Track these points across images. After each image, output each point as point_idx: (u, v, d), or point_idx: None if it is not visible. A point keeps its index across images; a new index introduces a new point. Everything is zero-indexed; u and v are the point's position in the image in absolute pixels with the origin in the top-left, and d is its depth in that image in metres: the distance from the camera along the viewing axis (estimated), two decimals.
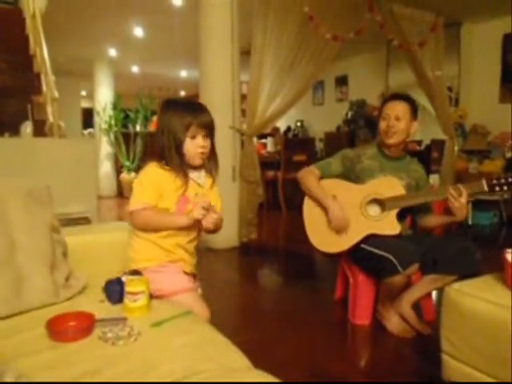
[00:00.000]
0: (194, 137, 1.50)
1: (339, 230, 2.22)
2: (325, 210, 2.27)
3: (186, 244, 1.58)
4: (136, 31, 6.46)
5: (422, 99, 5.22)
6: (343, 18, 4.19)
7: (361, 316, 2.30)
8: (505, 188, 1.98)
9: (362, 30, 4.29)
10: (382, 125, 2.29)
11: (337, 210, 2.21)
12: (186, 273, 1.59)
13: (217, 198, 1.64)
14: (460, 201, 2.02)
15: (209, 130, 1.53)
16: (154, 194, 1.49)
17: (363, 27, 4.29)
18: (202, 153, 1.52)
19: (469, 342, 1.40)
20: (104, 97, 8.30)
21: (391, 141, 2.27)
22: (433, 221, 2.30)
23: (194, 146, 1.50)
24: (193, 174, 1.57)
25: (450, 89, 5.85)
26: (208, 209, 1.47)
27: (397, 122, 2.25)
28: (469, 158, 5.49)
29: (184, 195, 1.53)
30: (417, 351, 2.04)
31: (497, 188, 1.99)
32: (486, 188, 2.00)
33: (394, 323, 2.19)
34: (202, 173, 1.60)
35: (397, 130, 2.25)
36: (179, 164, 1.50)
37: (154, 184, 1.50)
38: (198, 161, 1.54)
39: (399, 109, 2.26)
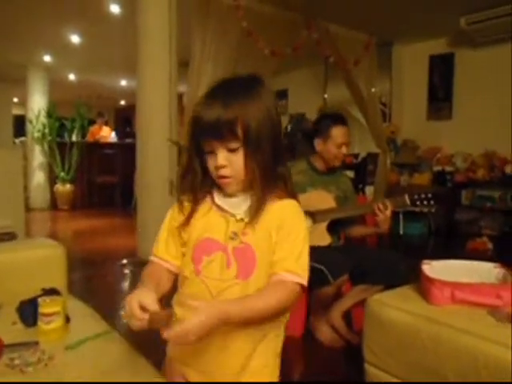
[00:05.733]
0: (210, 151, 0.94)
1: None
2: None
3: None
4: (73, 38, 6.23)
5: (358, 114, 5.45)
6: (281, 35, 4.28)
7: (293, 328, 2.33)
8: (424, 202, 2.13)
9: (299, 46, 4.41)
10: (334, 150, 2.31)
11: None
12: None
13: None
14: (385, 214, 2.13)
15: (228, 135, 0.89)
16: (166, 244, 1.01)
17: (300, 44, 4.42)
18: (222, 176, 0.94)
19: (387, 350, 1.46)
20: (38, 104, 7.90)
21: (339, 164, 2.37)
22: (358, 231, 2.40)
23: (211, 166, 0.95)
24: (225, 201, 0.98)
25: (384, 104, 6.14)
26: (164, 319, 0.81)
27: (347, 147, 2.34)
28: (400, 171, 5.78)
29: (202, 239, 0.97)
30: (345, 360, 2.10)
31: (418, 202, 2.14)
32: (408, 202, 2.15)
33: (324, 333, 2.24)
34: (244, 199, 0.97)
35: (347, 154, 2.36)
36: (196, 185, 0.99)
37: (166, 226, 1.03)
38: (226, 188, 0.97)
39: (347, 134, 2.34)
